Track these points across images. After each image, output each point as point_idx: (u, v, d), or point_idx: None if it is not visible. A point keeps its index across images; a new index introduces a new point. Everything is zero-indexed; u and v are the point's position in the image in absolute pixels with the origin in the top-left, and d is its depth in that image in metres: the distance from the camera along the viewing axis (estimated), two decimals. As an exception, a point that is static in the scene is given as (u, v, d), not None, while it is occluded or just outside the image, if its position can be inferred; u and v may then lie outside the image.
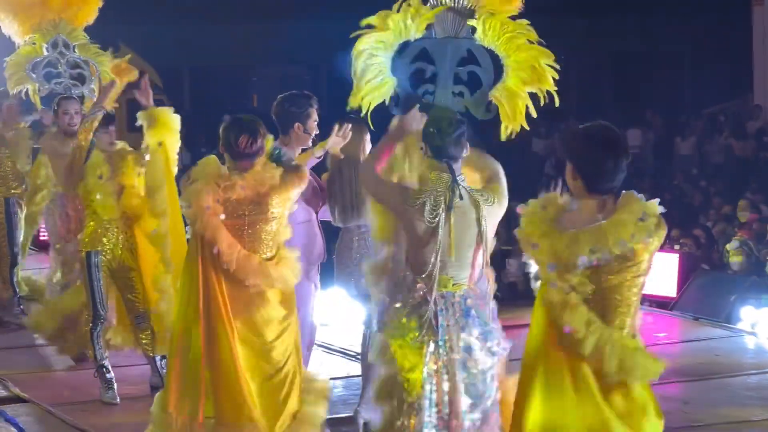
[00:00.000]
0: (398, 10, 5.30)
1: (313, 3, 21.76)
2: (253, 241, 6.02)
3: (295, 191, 6.10)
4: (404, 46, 5.34)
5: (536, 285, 4.72)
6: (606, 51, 25.01)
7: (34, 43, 9.30)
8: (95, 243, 7.74)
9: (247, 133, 5.96)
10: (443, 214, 5.09)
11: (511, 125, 5.31)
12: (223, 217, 5.95)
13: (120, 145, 7.94)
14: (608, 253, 4.47)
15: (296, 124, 6.87)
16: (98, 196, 7.71)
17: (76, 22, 9.33)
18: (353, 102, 5.37)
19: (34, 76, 9.23)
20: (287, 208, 6.09)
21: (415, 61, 5.35)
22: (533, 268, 4.75)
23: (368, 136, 6.86)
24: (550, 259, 4.55)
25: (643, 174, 20.30)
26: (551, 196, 4.76)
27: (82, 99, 9.11)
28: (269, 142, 6.13)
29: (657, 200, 4.61)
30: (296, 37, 22.68)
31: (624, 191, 4.61)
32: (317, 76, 23.70)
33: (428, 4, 5.34)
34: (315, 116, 6.91)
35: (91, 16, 9.40)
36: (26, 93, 9.49)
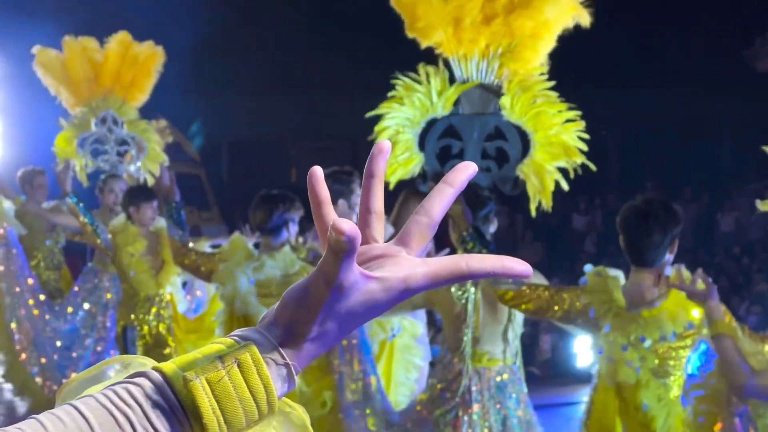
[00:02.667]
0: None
1: (351, 77, 21.91)
2: None
3: None
4: (431, 123, 5.35)
5: (599, 364, 4.66)
6: (646, 124, 24.95)
7: (84, 118, 9.29)
8: (132, 318, 7.73)
9: (262, 208, 5.88)
10: (471, 289, 5.07)
11: (540, 198, 5.28)
12: (254, 297, 5.90)
13: (161, 222, 7.93)
14: (674, 334, 4.50)
15: (339, 201, 6.80)
16: (132, 273, 7.71)
17: (127, 98, 9.33)
18: None
19: (81, 151, 9.19)
20: None
21: (443, 137, 5.36)
22: (594, 347, 4.72)
23: None
24: (623, 340, 4.52)
25: (683, 250, 20.15)
26: (603, 273, 4.72)
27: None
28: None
29: (699, 270, 4.58)
30: (335, 110, 22.82)
31: (675, 266, 4.57)
32: (357, 150, 23.82)
33: (456, 81, 5.37)
34: (358, 192, 6.68)
35: (143, 94, 9.39)
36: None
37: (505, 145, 5.33)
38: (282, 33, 21.61)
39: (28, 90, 10.62)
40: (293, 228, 6.01)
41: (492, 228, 5.22)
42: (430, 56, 5.50)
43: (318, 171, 1.24)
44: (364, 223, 1.23)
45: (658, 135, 25.23)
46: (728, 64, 22.53)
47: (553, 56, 5.48)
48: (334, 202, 6.75)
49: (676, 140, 24.70)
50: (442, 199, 1.22)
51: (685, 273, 4.55)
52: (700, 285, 4.37)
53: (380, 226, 1.22)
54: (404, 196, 6.49)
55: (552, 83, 5.35)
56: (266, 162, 25.20)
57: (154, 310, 7.79)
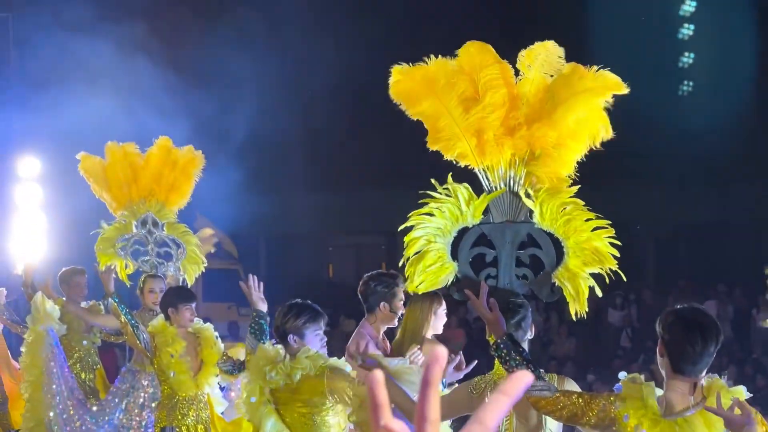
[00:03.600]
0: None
1: (386, 173, 22.10)
2: (310, 429, 5.99)
3: (343, 393, 5.93)
4: (462, 231, 5.42)
5: None
6: (683, 221, 24.91)
7: (124, 221, 9.42)
8: (171, 419, 7.79)
9: (279, 313, 6.05)
10: None
11: (575, 306, 5.31)
12: (272, 405, 5.98)
13: (199, 323, 8.03)
14: None
15: (382, 304, 6.78)
16: (172, 374, 7.79)
17: (167, 202, 9.49)
18: (410, 287, 5.43)
19: (122, 253, 9.31)
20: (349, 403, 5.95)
21: (475, 245, 5.41)
22: None
23: (441, 309, 6.64)
24: None
25: (720, 347, 19.95)
26: (638, 380, 4.73)
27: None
28: None
29: (743, 387, 4.59)
30: (371, 206, 22.96)
31: (710, 375, 4.59)
32: (393, 246, 23.89)
33: (484, 189, 5.45)
34: (401, 295, 6.77)
35: (183, 198, 9.55)
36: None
37: (539, 253, 5.36)
38: (317, 132, 21.88)
39: (71, 187, 10.80)
40: (297, 339, 6.06)
41: (526, 335, 5.25)
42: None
43: (379, 376, 1.26)
44: (419, 430, 1.24)
45: (693, 230, 25.18)
46: (759, 162, 22.53)
47: (587, 152, 5.51)
48: (376, 305, 6.79)
49: (711, 236, 24.63)
50: (496, 408, 1.23)
51: (721, 383, 4.55)
52: (737, 411, 4.38)
53: None
54: (412, 299, 6.56)
55: (576, 188, 5.39)
56: (303, 258, 25.32)
57: (192, 411, 7.85)
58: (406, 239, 5.39)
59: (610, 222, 5.27)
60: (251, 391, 6.05)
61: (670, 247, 25.85)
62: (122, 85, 14.26)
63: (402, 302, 6.81)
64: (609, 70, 5.38)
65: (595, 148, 5.46)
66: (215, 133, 14.61)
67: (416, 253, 5.40)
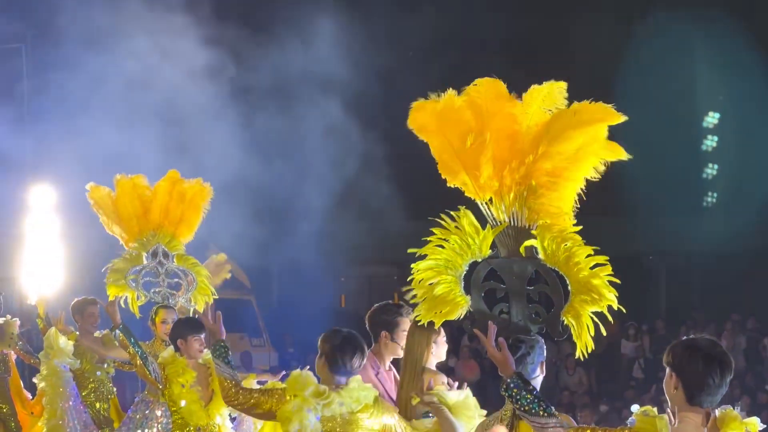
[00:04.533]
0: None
1: (398, 203, 22.10)
2: None
3: (388, 418, 5.92)
4: (473, 266, 5.42)
5: None
6: (695, 252, 24.88)
7: (135, 252, 9.46)
8: None
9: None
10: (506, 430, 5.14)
11: (580, 345, 5.29)
12: None
13: (209, 354, 8.03)
14: None
15: (383, 333, 6.75)
16: (183, 404, 7.80)
17: (177, 233, 9.53)
18: (424, 318, 5.44)
19: (133, 284, 9.33)
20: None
21: (486, 280, 5.41)
22: None
23: (440, 338, 6.50)
24: None
25: (733, 376, 19.86)
26: (651, 413, 4.72)
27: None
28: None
29: (757, 419, 4.59)
30: (384, 237, 22.96)
31: (723, 407, 4.58)
32: (405, 277, 23.82)
33: (489, 223, 5.46)
34: (404, 326, 6.66)
35: (191, 230, 9.59)
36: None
37: (546, 289, 5.33)
38: (329, 162, 21.91)
39: (86, 217, 10.85)
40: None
41: (534, 374, 5.24)
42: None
43: None
44: None
45: (705, 261, 25.13)
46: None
47: (596, 184, 5.52)
48: (378, 333, 6.81)
49: (723, 266, 24.57)
50: None
51: (735, 414, 4.54)
52: None
53: None
54: (410, 330, 6.57)
55: (578, 228, 5.38)
56: (315, 288, 25.32)
57: (205, 441, 7.87)
58: (414, 266, 5.41)
59: (608, 258, 5.26)
60: (303, 416, 5.93)
61: (682, 278, 25.80)
62: (139, 112, 14.34)
63: (405, 333, 6.78)
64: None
65: (603, 180, 5.47)
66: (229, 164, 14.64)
67: (429, 284, 5.41)
